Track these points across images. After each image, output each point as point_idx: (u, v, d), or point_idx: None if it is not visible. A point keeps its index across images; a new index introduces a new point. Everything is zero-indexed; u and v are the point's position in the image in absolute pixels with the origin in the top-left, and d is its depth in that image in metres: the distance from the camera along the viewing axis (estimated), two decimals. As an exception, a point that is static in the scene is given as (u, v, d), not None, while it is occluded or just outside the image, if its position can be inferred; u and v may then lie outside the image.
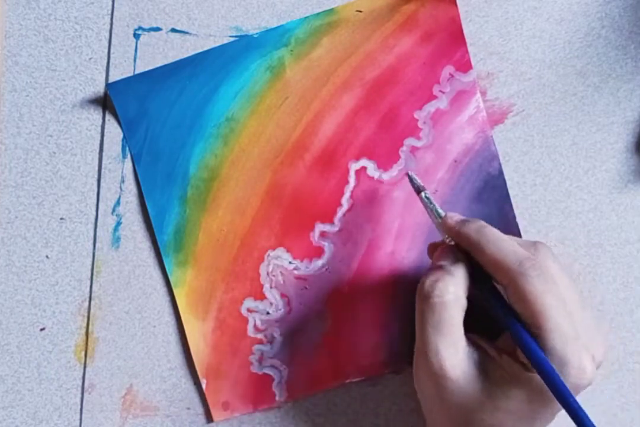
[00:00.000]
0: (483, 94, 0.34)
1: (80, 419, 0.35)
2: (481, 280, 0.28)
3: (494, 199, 0.34)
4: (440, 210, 0.30)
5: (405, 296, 0.34)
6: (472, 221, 0.28)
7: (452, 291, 0.27)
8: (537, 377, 0.25)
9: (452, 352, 0.27)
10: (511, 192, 0.34)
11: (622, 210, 0.35)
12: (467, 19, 0.34)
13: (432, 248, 0.31)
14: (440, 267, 0.28)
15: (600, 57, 0.34)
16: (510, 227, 0.34)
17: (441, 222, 0.30)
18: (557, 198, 0.35)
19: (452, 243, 0.30)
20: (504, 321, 0.27)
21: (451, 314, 0.27)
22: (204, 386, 0.34)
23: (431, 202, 0.31)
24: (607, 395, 0.35)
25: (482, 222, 0.28)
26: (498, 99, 0.34)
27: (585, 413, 0.24)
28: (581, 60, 0.34)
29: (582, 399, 0.35)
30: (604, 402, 0.35)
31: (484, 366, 0.27)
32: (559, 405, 0.26)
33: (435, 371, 0.27)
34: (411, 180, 0.32)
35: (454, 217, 0.29)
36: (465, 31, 0.34)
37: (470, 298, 0.28)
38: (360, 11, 0.34)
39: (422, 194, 0.31)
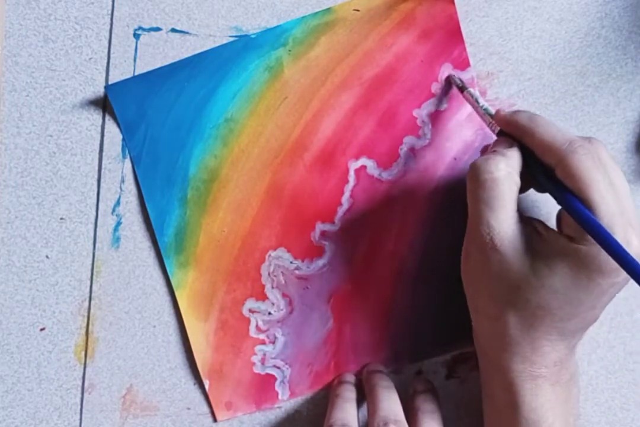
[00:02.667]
0: (483, 94, 0.34)
1: (80, 419, 0.35)
2: (532, 164, 0.28)
3: None
4: (487, 106, 0.31)
5: (407, 294, 0.34)
6: (524, 111, 0.29)
7: (502, 167, 0.27)
8: (582, 248, 0.26)
9: (504, 227, 0.27)
10: (511, 192, 0.34)
11: (622, 210, 0.35)
12: (467, 19, 0.34)
13: (485, 149, 0.32)
14: (493, 152, 0.28)
15: (600, 57, 0.34)
16: None
17: (489, 116, 0.30)
18: (557, 198, 0.35)
19: (497, 131, 0.30)
20: (555, 194, 0.27)
21: (503, 189, 0.27)
22: (207, 387, 0.34)
23: (477, 99, 0.31)
24: (607, 395, 0.35)
25: (533, 112, 0.29)
26: (498, 99, 0.34)
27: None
28: (581, 60, 0.34)
29: (582, 398, 0.35)
30: (604, 402, 0.35)
31: (532, 243, 0.27)
32: (605, 285, 0.26)
33: (486, 243, 0.27)
34: (453, 81, 0.33)
35: (505, 109, 0.30)
36: (465, 31, 0.34)
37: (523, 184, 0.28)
38: (358, 10, 0.34)
39: (467, 91, 0.32)
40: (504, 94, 0.34)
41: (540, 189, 0.31)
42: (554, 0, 0.34)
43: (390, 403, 0.31)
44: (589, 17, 0.34)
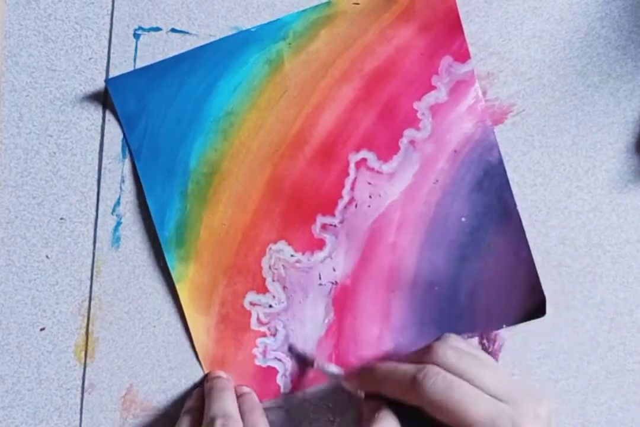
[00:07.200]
0: (483, 94, 0.34)
1: (80, 419, 0.35)
2: (405, 414, 0.28)
3: (494, 188, 0.34)
4: (335, 370, 0.33)
5: (407, 286, 0.34)
6: (364, 365, 0.30)
7: None
8: None
9: None
10: (511, 192, 0.34)
11: (622, 211, 0.35)
12: (467, 19, 0.34)
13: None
14: (368, 421, 0.28)
15: (600, 57, 0.34)
16: (510, 215, 0.34)
17: (343, 380, 0.32)
18: (557, 198, 0.35)
19: (363, 395, 0.31)
20: None
21: None
22: None
23: (326, 366, 0.33)
24: (607, 395, 0.35)
25: (371, 362, 0.30)
26: (498, 99, 0.34)
27: None
28: (581, 60, 0.34)
29: (582, 398, 0.35)
30: (604, 402, 0.35)
31: None
32: None
33: None
34: (295, 351, 0.34)
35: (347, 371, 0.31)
36: (465, 31, 0.34)
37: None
38: (358, 3, 0.34)
39: (315, 363, 0.33)
40: (504, 94, 0.34)
41: None
42: (554, 0, 0.34)
43: (222, 402, 0.31)
44: (589, 17, 0.34)
